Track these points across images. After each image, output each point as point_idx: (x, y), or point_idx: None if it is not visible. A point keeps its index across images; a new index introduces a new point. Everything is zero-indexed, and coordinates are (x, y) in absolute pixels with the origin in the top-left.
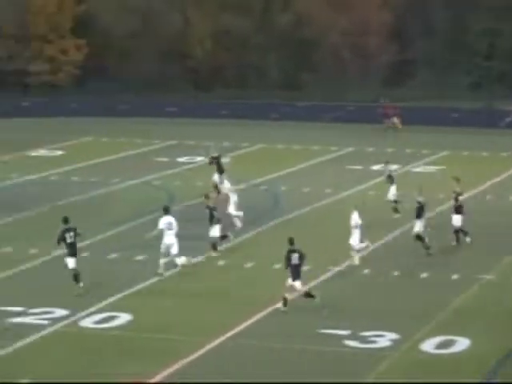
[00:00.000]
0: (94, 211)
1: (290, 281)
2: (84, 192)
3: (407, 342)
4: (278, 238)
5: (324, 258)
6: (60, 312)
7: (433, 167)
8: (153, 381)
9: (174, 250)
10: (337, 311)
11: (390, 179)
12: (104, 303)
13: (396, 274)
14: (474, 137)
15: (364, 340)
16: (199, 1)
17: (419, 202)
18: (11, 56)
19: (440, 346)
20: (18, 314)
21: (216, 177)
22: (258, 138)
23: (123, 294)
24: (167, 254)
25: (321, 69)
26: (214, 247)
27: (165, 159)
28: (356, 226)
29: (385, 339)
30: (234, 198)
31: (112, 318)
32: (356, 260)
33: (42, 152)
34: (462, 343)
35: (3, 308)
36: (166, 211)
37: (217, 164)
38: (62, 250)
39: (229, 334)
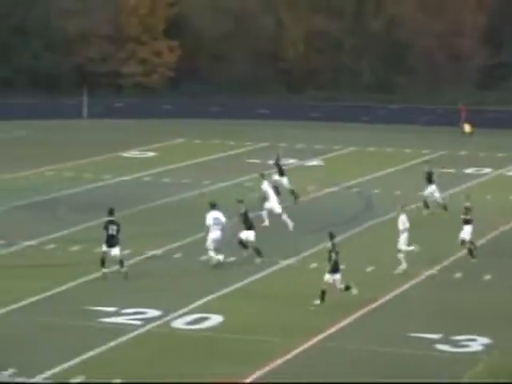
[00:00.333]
0: (185, 213)
1: (328, 276)
2: (175, 193)
3: (499, 346)
4: (371, 240)
5: (419, 260)
6: (152, 312)
7: None
8: (247, 381)
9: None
10: (428, 314)
11: (429, 177)
12: (196, 304)
13: (487, 277)
14: None
15: (456, 344)
16: (292, 3)
17: (467, 208)
18: (104, 57)
19: None
20: (111, 314)
21: (278, 178)
22: (350, 141)
23: (214, 295)
24: (217, 248)
25: (413, 71)
26: (258, 252)
27: (257, 161)
28: (404, 229)
29: (477, 343)
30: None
31: (203, 319)
32: (403, 265)
33: (134, 153)
34: None
35: (96, 308)
36: (213, 206)
37: (277, 166)
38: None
39: (320, 336)
